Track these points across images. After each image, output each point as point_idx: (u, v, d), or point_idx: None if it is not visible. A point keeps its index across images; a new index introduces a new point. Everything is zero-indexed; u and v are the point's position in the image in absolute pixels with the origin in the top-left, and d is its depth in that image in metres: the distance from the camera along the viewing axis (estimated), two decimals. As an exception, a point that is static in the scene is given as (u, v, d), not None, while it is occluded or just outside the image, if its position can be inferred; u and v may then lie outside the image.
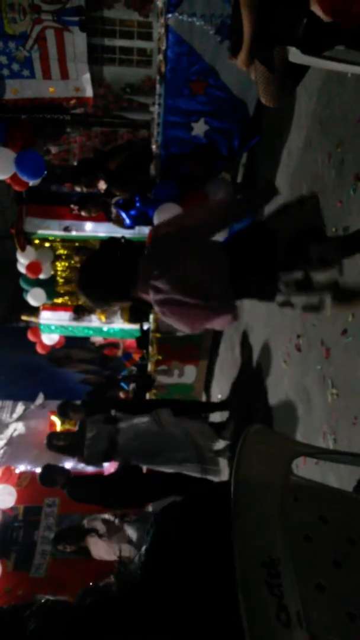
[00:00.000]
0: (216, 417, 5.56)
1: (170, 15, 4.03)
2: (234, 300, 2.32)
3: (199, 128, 4.60)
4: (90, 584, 0.92)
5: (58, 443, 4.87)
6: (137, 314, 6.63)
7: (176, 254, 2.21)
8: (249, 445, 0.95)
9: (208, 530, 0.87)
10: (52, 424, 7.97)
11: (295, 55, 2.40)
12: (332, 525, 0.87)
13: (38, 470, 7.60)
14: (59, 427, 7.63)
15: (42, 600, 0.81)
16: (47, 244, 7.07)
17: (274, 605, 0.73)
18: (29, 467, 7.71)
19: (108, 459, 4.71)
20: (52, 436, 5.08)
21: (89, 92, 5.87)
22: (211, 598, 0.79)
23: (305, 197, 2.37)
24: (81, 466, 6.63)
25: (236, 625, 0.72)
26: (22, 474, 7.59)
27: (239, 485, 0.85)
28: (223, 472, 4.56)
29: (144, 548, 0.89)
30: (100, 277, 2.24)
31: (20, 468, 7.64)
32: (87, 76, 5.78)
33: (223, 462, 4.70)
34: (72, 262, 7.18)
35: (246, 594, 0.73)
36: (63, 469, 5.02)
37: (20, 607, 0.82)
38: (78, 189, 5.45)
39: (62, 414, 5.09)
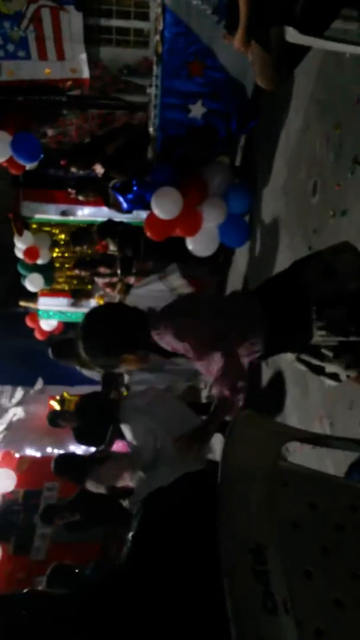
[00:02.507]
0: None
1: (167, -6, 3.95)
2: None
3: (197, 110, 4.53)
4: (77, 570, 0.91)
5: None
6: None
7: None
8: (238, 430, 0.94)
9: (196, 516, 0.86)
10: (51, 409, 7.99)
11: (292, 35, 2.35)
12: (321, 512, 0.86)
13: (37, 454, 7.67)
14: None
15: (25, 591, 0.81)
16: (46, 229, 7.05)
17: (260, 592, 0.72)
18: (28, 452, 7.76)
19: None
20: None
21: (85, 72, 5.78)
22: (198, 586, 0.78)
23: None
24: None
25: (222, 613, 0.71)
26: (21, 458, 7.65)
27: (227, 471, 0.84)
28: None
29: (130, 534, 0.88)
30: (107, 330, 1.88)
31: (20, 452, 7.69)
32: (83, 57, 5.68)
33: None
34: (70, 248, 7.15)
35: (232, 581, 0.73)
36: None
37: (2, 599, 0.81)
38: (74, 169, 5.39)
39: (53, 423, 5.08)
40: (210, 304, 2.05)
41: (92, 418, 4.86)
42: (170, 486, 0.94)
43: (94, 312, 2.08)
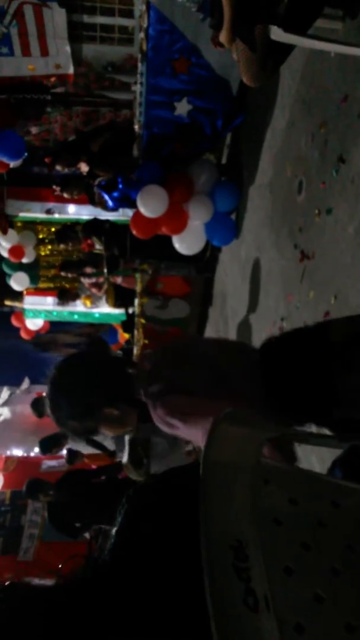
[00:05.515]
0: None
1: (151, -9, 3.94)
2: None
3: (182, 108, 4.53)
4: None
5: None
6: (122, 298, 6.61)
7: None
8: (220, 427, 0.94)
9: (179, 512, 0.86)
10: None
11: (276, 33, 2.36)
12: (303, 508, 0.86)
13: (25, 454, 7.62)
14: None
15: (6, 583, 0.80)
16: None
17: (241, 589, 0.72)
18: (15, 452, 7.71)
19: None
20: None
21: (69, 68, 5.76)
22: (179, 582, 0.78)
23: None
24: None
25: (203, 610, 0.71)
26: (8, 458, 7.60)
27: (208, 467, 0.84)
28: None
29: (114, 530, 0.88)
30: (87, 382, 1.56)
31: (7, 453, 7.64)
32: (67, 52, 5.66)
33: None
34: (56, 246, 7.12)
35: (212, 578, 0.72)
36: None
37: None
38: (59, 167, 5.36)
39: (37, 410, 5.03)
40: (211, 369, 1.63)
41: None
42: (155, 481, 0.94)
43: (62, 363, 1.64)
